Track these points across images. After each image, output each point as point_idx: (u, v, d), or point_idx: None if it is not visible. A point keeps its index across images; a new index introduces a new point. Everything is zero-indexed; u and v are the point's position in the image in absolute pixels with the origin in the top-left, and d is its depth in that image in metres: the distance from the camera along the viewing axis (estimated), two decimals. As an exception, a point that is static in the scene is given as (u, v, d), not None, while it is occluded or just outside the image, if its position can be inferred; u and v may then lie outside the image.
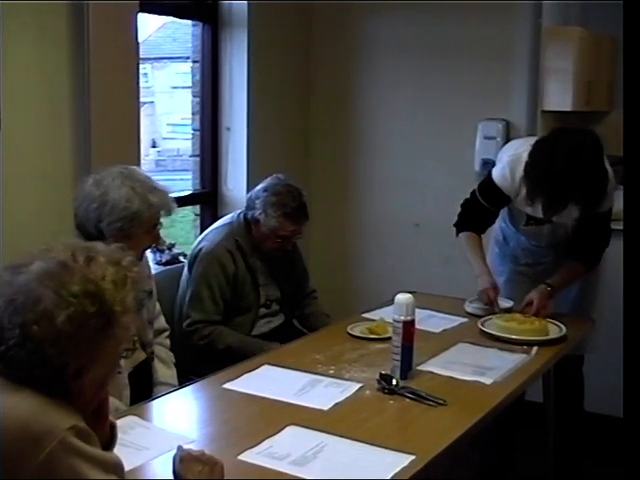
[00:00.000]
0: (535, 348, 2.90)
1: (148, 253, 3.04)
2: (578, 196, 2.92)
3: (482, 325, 3.09)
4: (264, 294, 3.55)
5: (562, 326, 3.06)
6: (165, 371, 3.03)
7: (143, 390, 2.82)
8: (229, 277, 3.41)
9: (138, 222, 2.72)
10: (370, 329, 3.09)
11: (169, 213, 2.85)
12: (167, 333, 3.15)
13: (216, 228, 3.58)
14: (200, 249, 3.47)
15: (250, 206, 3.50)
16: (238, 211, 3.61)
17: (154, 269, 3.60)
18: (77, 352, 1.48)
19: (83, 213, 2.74)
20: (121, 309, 1.54)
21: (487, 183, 3.34)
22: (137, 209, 2.70)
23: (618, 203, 3.25)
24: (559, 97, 4.45)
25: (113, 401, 2.50)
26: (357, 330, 3.10)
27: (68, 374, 1.49)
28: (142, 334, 2.91)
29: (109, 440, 1.67)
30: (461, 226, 3.43)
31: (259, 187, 3.53)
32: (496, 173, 3.29)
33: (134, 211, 2.70)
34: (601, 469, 3.77)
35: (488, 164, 4.38)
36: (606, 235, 3.30)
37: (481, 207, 3.36)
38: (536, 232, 3.37)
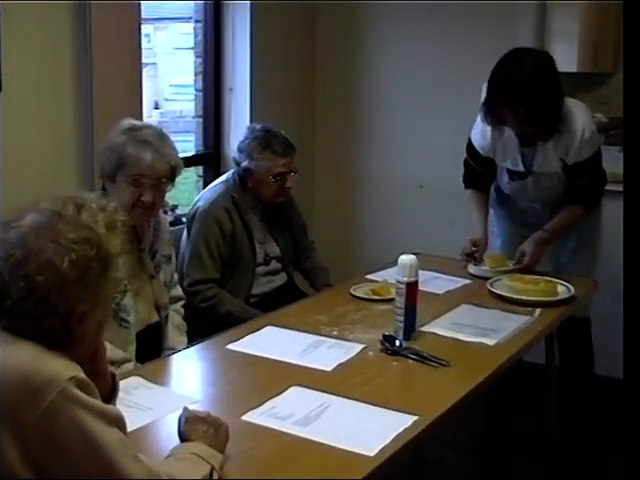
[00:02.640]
0: (538, 310, 2.91)
1: (163, 217, 3.06)
2: (511, 103, 3.06)
3: (491, 286, 3.10)
4: (262, 251, 3.55)
5: (571, 287, 3.07)
6: (177, 337, 3.03)
7: (153, 354, 2.82)
8: (226, 234, 3.41)
9: (122, 167, 2.74)
10: (373, 290, 3.09)
11: (169, 177, 2.83)
12: (183, 302, 3.16)
13: (212, 187, 3.58)
14: (197, 209, 3.48)
15: (238, 162, 3.52)
16: (232, 170, 3.61)
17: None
18: (82, 297, 1.51)
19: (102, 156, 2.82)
20: (116, 251, 1.58)
21: (468, 144, 3.47)
22: (126, 155, 2.73)
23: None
24: (564, 58, 4.39)
25: (116, 350, 2.53)
26: (360, 291, 3.10)
27: (73, 321, 1.51)
28: (158, 296, 2.92)
29: (111, 389, 1.70)
30: (466, 181, 3.57)
31: (239, 141, 3.56)
32: (472, 133, 3.45)
33: (123, 155, 2.73)
34: (606, 432, 3.79)
35: (492, 125, 4.37)
36: (598, 181, 3.36)
37: (473, 167, 3.51)
38: (521, 187, 3.42)
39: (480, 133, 3.39)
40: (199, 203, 3.50)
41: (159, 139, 2.82)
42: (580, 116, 3.20)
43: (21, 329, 1.48)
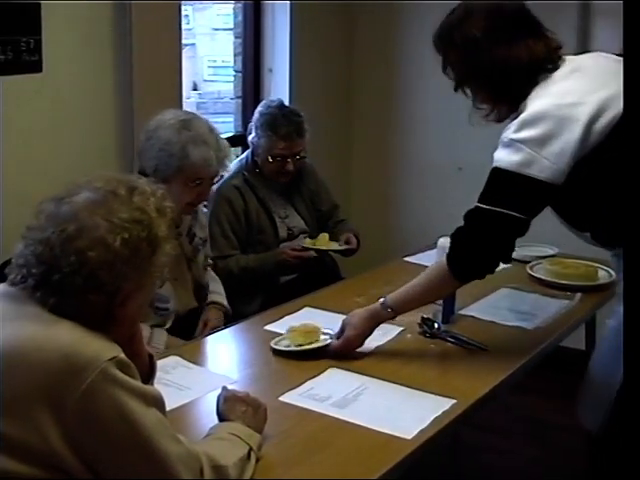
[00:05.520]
0: (579, 294, 2.88)
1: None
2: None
3: (531, 270, 3.08)
4: (284, 226, 3.52)
5: (612, 272, 3.03)
6: (215, 285, 3.06)
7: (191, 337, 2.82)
8: (238, 213, 3.40)
9: (170, 168, 2.69)
10: (312, 242, 3.37)
11: (212, 173, 2.80)
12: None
13: (231, 167, 3.58)
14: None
15: (249, 133, 3.52)
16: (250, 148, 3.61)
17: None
18: (129, 277, 1.52)
19: (139, 144, 2.81)
20: (165, 236, 1.58)
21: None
22: (171, 154, 2.69)
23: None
24: (608, 40, 4.34)
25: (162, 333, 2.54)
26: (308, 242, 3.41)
27: (117, 301, 1.52)
28: (198, 280, 2.94)
29: (149, 371, 1.71)
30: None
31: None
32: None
33: (169, 154, 2.69)
34: None
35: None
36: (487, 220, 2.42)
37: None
38: None
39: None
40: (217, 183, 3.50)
41: (211, 132, 2.80)
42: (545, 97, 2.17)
43: (65, 305, 1.49)
